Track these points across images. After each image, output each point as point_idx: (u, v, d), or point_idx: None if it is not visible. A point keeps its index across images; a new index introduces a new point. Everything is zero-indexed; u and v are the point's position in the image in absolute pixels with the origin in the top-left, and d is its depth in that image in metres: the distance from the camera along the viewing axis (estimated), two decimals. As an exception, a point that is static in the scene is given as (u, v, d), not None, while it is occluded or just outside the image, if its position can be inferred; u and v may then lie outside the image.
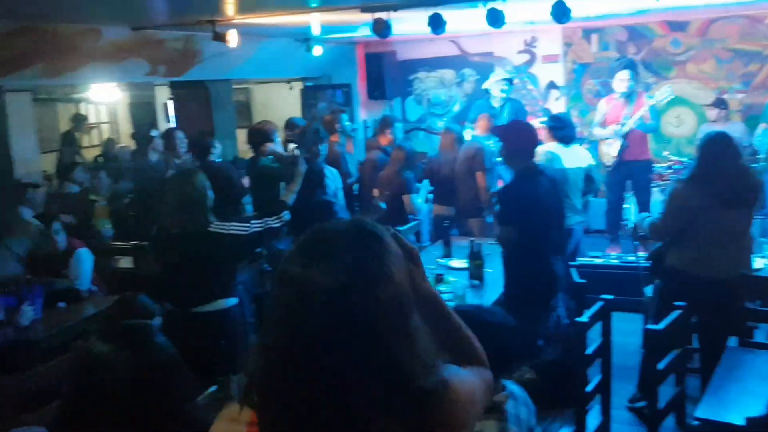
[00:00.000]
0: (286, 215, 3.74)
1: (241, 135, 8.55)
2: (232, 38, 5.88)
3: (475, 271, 4.30)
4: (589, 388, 3.22)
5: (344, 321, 0.93)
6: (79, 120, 10.92)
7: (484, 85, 7.29)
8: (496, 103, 6.97)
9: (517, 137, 3.90)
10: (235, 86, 8.67)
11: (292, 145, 5.33)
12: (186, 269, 3.50)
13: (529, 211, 3.68)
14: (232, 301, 3.61)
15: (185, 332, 3.34)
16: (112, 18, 5.66)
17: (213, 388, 2.86)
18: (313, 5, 5.36)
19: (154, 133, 6.70)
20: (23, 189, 6.29)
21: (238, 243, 3.53)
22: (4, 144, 5.26)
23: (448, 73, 8.98)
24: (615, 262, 5.85)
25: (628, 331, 4.63)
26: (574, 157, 5.17)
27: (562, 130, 5.26)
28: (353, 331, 0.93)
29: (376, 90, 8.73)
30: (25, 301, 3.98)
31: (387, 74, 8.69)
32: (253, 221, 3.68)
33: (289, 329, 0.96)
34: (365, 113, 9.22)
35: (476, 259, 4.31)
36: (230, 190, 5.17)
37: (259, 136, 5.40)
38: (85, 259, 4.49)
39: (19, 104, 8.15)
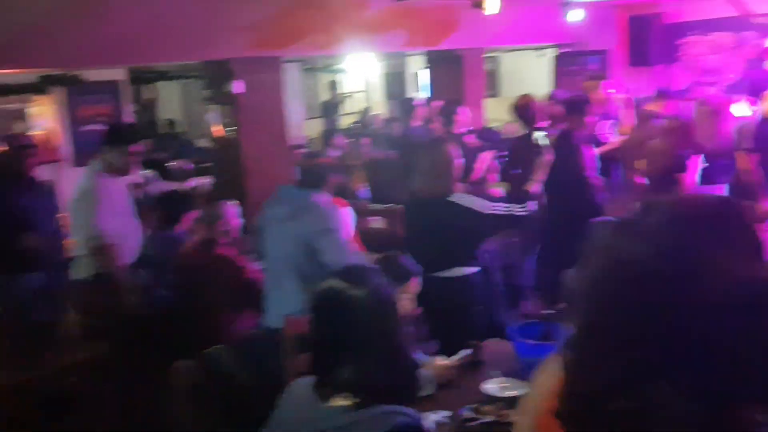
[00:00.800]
0: (531, 205, 3.71)
1: (488, 105, 8.51)
2: (491, 5, 5.82)
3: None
4: None
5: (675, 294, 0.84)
6: (335, 89, 11.70)
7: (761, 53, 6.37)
8: (775, 71, 6.07)
9: None
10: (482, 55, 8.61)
11: (539, 134, 5.13)
12: (428, 234, 3.60)
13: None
14: (472, 269, 3.62)
15: (429, 294, 3.44)
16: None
17: (467, 351, 2.89)
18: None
19: (415, 101, 6.93)
20: (292, 151, 6.91)
21: (473, 219, 3.53)
22: (280, 111, 5.80)
23: (724, 37, 8.02)
24: None
25: None
26: None
27: None
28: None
29: (639, 56, 8.11)
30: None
31: (652, 39, 8.02)
32: (499, 204, 3.68)
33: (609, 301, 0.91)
34: (624, 81, 8.62)
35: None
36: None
37: (531, 111, 5.29)
38: (347, 217, 4.79)
39: (291, 74, 8.96)
